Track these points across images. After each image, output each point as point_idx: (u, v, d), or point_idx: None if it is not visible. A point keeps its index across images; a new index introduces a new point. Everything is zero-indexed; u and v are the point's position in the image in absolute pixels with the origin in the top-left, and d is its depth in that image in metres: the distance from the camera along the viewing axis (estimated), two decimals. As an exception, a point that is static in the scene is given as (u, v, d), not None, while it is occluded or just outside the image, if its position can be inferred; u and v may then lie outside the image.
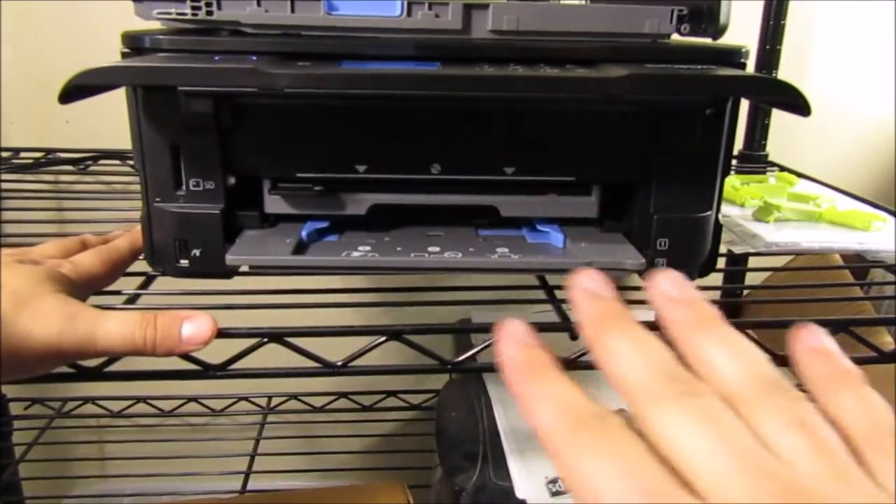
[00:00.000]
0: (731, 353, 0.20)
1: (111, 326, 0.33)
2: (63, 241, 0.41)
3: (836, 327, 0.40)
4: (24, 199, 0.67)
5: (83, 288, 0.37)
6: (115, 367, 0.38)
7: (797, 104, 0.34)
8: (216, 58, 0.35)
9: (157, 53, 0.37)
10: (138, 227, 0.42)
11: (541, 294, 0.45)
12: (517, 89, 0.35)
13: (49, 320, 0.32)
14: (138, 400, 0.94)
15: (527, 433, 0.62)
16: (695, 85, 0.36)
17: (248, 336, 0.38)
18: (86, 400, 0.93)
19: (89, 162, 0.78)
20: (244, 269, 0.41)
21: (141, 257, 0.42)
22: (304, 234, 0.42)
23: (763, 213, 0.57)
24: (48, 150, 0.78)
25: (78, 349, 0.33)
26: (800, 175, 0.73)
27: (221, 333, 0.37)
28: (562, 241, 0.43)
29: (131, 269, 0.43)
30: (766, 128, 0.85)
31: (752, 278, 0.89)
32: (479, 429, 0.64)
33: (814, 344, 0.21)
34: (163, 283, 0.43)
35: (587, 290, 0.23)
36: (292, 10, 0.38)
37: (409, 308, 0.46)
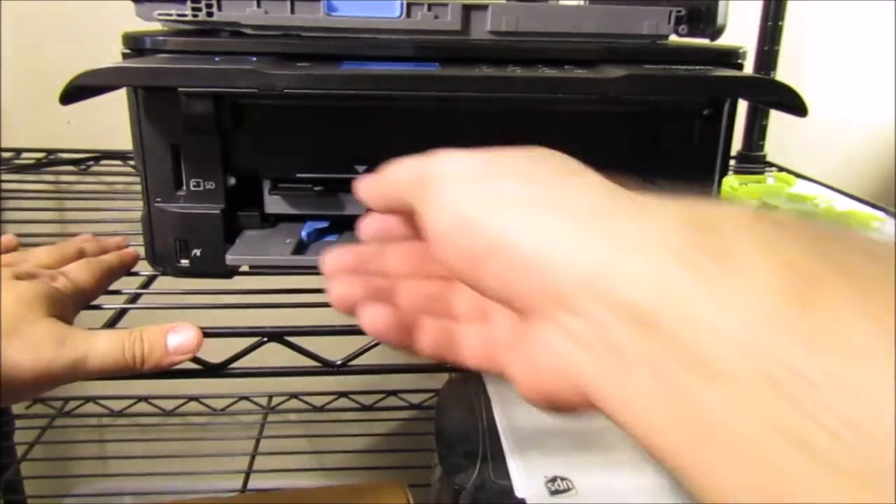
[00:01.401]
0: None
1: (101, 346, 0.33)
2: (61, 248, 0.40)
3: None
4: (26, 200, 0.67)
5: (76, 303, 0.37)
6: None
7: (795, 105, 0.35)
8: (216, 59, 0.35)
9: (157, 54, 0.37)
10: (129, 248, 0.43)
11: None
12: (516, 90, 0.35)
13: (39, 347, 0.32)
14: (139, 399, 0.94)
15: (526, 432, 0.62)
16: (693, 86, 0.36)
17: (248, 335, 0.38)
18: (87, 399, 0.93)
19: (91, 162, 0.78)
20: (244, 268, 0.41)
21: (142, 256, 0.43)
22: (304, 234, 0.42)
23: (761, 213, 0.57)
24: (50, 151, 0.78)
25: (69, 373, 0.33)
26: (798, 175, 0.74)
27: (221, 333, 0.37)
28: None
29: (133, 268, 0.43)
30: (764, 128, 0.85)
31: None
32: (478, 428, 0.64)
33: None
34: (163, 282, 0.43)
35: None
36: (292, 11, 0.39)
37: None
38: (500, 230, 0.21)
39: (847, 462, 0.13)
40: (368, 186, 0.28)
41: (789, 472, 0.13)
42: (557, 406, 0.21)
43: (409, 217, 0.26)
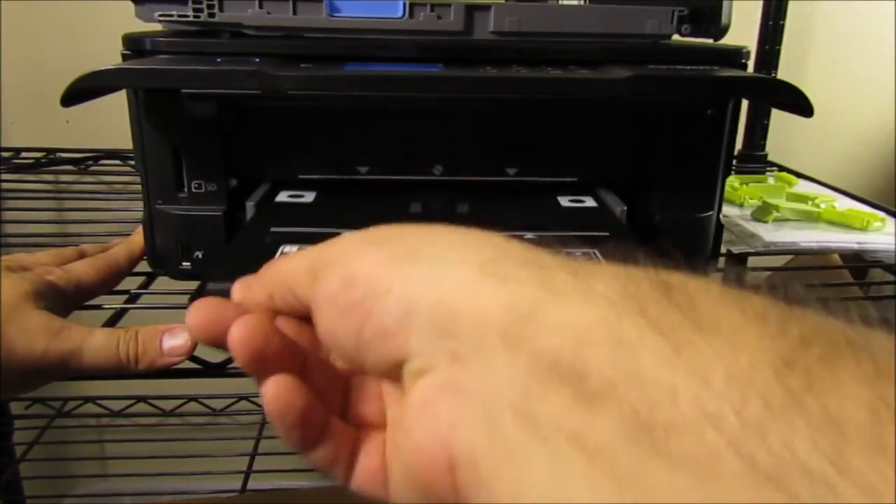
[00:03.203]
0: None
1: (95, 342, 0.33)
2: (60, 251, 0.40)
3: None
4: (25, 200, 0.67)
5: (73, 296, 0.37)
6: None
7: (800, 105, 0.35)
8: (218, 60, 0.35)
9: (158, 55, 0.37)
10: (137, 234, 0.42)
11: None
12: (524, 91, 0.35)
13: (34, 336, 0.32)
14: (139, 399, 0.94)
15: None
16: (700, 86, 0.36)
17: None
18: (86, 399, 0.93)
19: (90, 162, 0.78)
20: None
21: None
22: None
23: (762, 212, 0.57)
24: (49, 150, 0.78)
25: (62, 365, 0.32)
26: (799, 175, 0.74)
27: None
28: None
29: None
30: (765, 128, 0.85)
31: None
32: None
33: None
34: (163, 282, 0.43)
35: None
36: (294, 12, 0.38)
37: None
38: (389, 280, 0.18)
39: None
40: (248, 283, 0.23)
41: None
42: (428, 487, 0.17)
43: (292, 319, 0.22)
